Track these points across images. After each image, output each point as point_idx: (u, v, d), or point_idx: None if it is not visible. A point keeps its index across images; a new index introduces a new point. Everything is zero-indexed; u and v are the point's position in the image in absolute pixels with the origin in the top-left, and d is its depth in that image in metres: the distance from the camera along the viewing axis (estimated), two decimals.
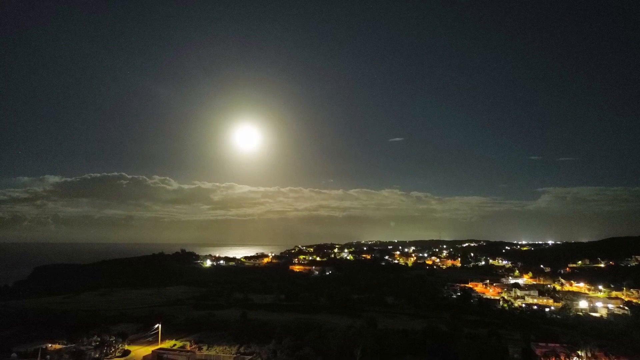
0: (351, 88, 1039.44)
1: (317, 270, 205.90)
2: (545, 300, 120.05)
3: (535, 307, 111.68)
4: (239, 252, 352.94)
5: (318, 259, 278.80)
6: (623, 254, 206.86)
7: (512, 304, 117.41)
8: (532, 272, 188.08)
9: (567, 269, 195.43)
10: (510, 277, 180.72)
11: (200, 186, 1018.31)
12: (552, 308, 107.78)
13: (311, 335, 53.98)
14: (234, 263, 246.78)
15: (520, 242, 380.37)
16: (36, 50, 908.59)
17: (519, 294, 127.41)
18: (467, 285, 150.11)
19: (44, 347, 53.28)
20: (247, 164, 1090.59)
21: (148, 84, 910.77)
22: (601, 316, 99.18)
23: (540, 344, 54.99)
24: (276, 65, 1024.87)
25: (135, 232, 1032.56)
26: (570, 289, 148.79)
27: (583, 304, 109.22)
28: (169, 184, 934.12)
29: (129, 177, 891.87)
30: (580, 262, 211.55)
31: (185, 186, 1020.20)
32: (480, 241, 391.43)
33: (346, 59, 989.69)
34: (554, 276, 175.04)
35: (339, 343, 48.79)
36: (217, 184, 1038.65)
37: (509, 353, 51.61)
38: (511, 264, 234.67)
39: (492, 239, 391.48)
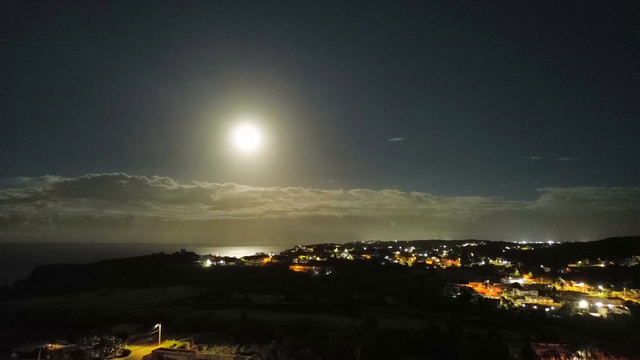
0: (351, 88, 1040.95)
1: (317, 270, 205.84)
2: (545, 300, 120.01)
3: (535, 307, 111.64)
4: (239, 252, 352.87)
5: (318, 259, 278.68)
6: (623, 254, 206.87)
7: (512, 304, 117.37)
8: (532, 272, 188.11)
9: (567, 269, 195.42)
10: (510, 277, 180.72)
11: (200, 186, 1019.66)
12: (552, 308, 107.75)
13: (311, 335, 53.95)
14: (234, 263, 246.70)
15: (520, 242, 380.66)
16: (36, 50, 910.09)
17: (519, 294, 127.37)
18: (467, 285, 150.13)
19: (44, 347, 53.26)
20: (247, 164, 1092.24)
21: (148, 84, 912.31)
22: (601, 316, 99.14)
23: (540, 344, 54.97)
24: (276, 65, 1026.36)
25: (135, 232, 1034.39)
26: (570, 289, 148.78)
27: (583, 304, 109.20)
28: (169, 184, 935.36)
29: (129, 177, 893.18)
30: (580, 262, 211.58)
31: (185, 186, 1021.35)
32: (480, 241, 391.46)
33: (346, 59, 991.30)
34: (554, 276, 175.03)
35: (339, 343, 48.76)
36: (217, 184, 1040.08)
37: (509, 353, 51.60)
38: (511, 264, 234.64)
39: (492, 239, 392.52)
